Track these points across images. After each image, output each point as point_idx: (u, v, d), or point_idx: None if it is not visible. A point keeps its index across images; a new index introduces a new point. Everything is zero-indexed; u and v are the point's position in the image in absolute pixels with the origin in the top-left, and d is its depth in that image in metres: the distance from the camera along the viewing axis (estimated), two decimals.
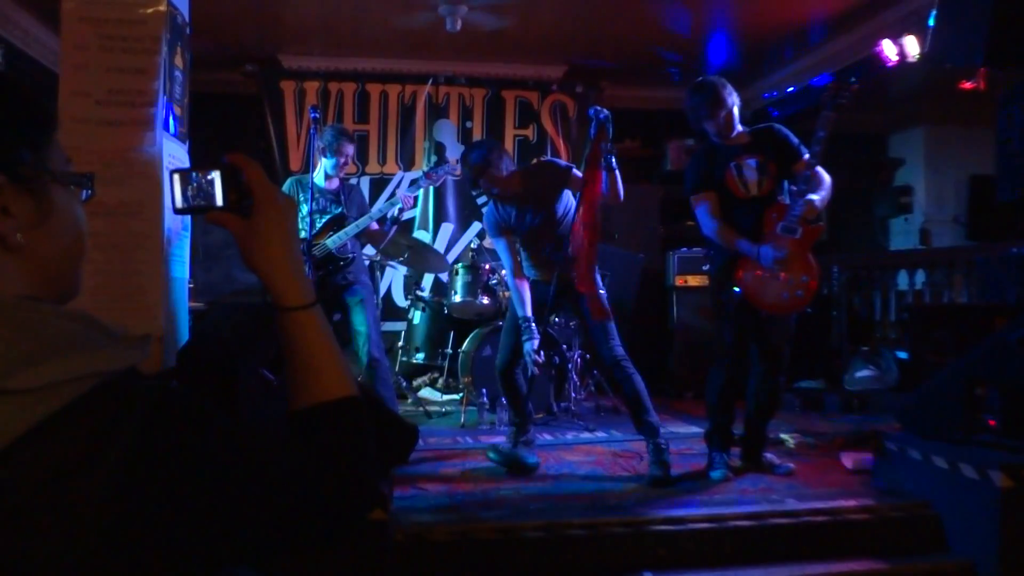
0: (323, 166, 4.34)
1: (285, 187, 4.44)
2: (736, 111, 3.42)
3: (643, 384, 3.57)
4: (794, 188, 3.37)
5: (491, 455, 3.68)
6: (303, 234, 4.27)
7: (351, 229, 4.20)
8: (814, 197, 3.28)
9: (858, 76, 4.33)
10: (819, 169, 3.34)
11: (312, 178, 4.23)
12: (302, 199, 4.26)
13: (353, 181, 4.65)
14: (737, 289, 3.37)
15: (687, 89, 3.48)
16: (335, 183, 4.37)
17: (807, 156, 3.32)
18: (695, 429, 4.57)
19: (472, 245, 5.85)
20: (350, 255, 4.27)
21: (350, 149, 4.37)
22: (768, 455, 3.65)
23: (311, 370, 0.90)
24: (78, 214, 0.84)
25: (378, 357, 4.14)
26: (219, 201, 0.92)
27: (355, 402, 0.90)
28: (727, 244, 3.41)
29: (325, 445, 0.84)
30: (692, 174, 3.56)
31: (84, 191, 0.85)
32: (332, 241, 4.20)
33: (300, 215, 4.29)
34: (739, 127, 3.45)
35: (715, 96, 3.35)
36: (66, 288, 0.84)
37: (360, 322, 4.17)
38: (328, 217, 4.29)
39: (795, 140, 3.45)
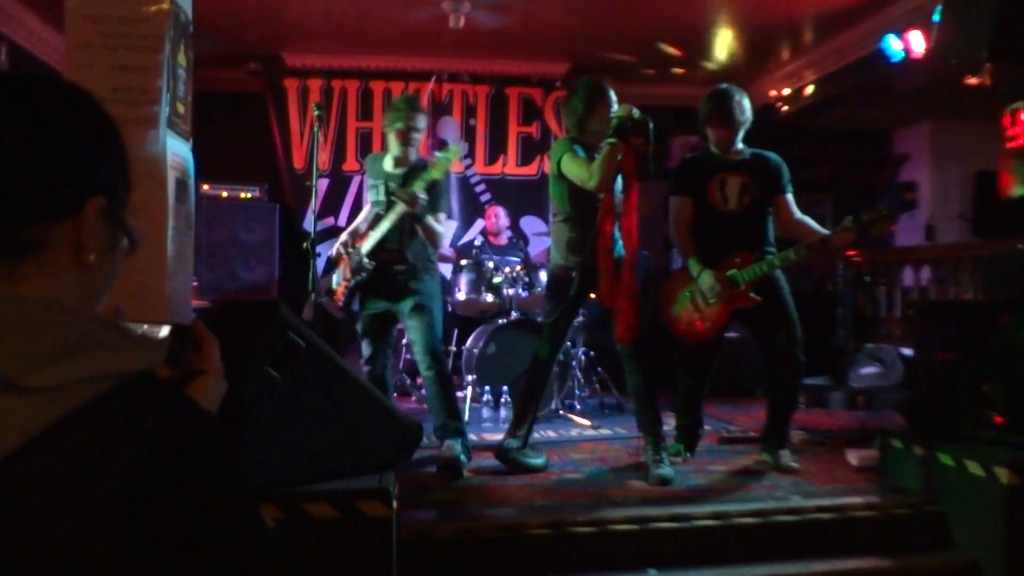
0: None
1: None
2: (742, 131, 3.54)
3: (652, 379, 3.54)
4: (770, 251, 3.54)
5: (499, 458, 3.62)
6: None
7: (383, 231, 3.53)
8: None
9: (889, 205, 4.41)
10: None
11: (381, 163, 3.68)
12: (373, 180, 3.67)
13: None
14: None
15: (709, 91, 3.59)
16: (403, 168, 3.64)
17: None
18: None
19: (476, 242, 5.84)
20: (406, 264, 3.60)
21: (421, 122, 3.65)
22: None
23: None
24: (120, 262, 0.89)
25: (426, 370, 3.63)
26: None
27: None
28: (681, 253, 3.61)
29: None
30: (676, 176, 3.79)
31: (126, 241, 0.89)
32: (367, 248, 3.57)
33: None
34: (740, 145, 3.58)
35: (726, 112, 3.49)
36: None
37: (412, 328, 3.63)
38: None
39: (786, 176, 3.59)
